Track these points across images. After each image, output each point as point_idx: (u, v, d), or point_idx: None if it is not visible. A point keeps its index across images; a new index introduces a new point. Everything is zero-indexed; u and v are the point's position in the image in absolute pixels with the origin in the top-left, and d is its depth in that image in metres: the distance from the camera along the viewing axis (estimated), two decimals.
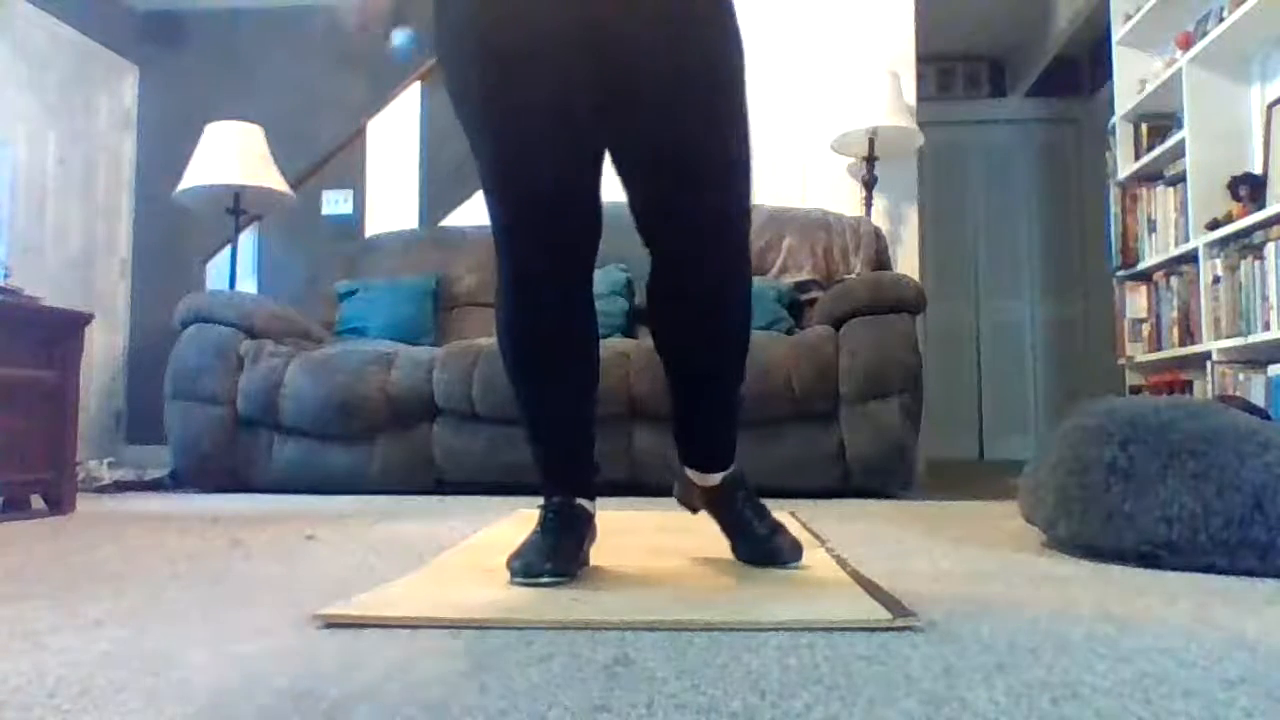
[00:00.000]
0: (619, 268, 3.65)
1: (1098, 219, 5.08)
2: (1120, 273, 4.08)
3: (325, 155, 4.64)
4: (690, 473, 1.64)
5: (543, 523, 1.48)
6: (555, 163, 1.39)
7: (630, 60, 1.37)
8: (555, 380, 1.52)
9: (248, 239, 4.69)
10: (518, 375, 1.53)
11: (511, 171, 1.42)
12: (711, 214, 1.43)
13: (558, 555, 1.40)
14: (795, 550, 1.53)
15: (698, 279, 1.47)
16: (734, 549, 1.58)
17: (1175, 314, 3.64)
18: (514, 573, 1.37)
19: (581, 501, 1.52)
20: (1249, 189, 3.21)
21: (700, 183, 1.41)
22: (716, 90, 1.41)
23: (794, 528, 1.98)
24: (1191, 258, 3.47)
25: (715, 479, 1.60)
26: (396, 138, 4.46)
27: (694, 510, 1.68)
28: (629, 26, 1.36)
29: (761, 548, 1.54)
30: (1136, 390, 3.93)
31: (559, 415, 1.55)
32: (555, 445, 1.56)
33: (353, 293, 3.96)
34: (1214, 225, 3.29)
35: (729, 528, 1.59)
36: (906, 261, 4.11)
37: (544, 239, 1.42)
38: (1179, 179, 3.61)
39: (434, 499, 3.05)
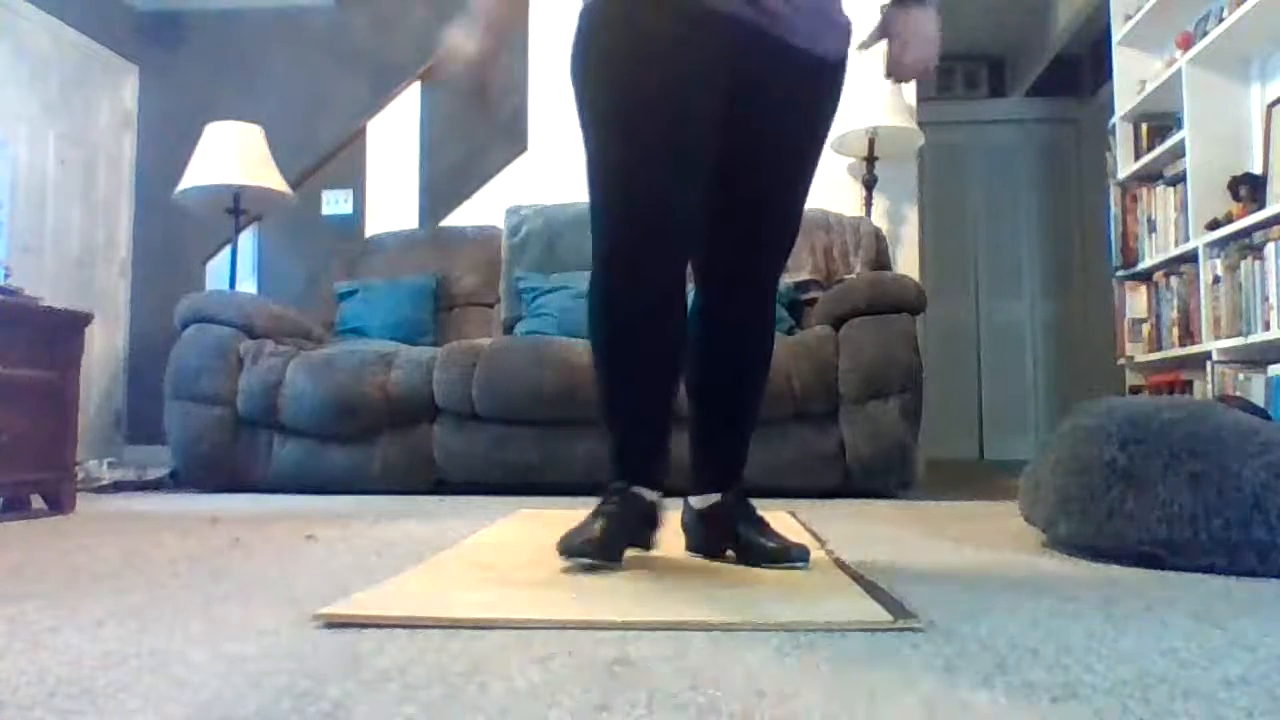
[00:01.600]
0: None
1: (1098, 219, 5.07)
2: (1120, 273, 4.08)
3: (325, 155, 4.64)
4: (703, 499, 1.66)
5: (600, 507, 1.53)
6: (692, 165, 1.49)
7: (758, 118, 1.53)
8: (649, 363, 1.56)
9: (248, 239, 4.69)
10: (612, 356, 1.57)
11: (657, 159, 1.47)
12: (772, 270, 1.68)
13: (606, 542, 1.45)
14: (803, 549, 1.55)
15: (748, 321, 1.66)
16: (743, 553, 1.58)
17: (1175, 314, 3.63)
18: (561, 551, 1.45)
19: (639, 490, 1.54)
20: (1249, 189, 3.20)
21: (774, 236, 1.66)
22: (809, 171, 1.64)
23: (794, 528, 1.98)
24: (1191, 258, 3.47)
25: (732, 495, 1.64)
26: (396, 138, 4.46)
27: (720, 552, 1.65)
28: (767, 92, 1.53)
29: (774, 548, 1.55)
30: (1136, 390, 3.93)
31: (642, 400, 1.58)
32: (633, 431, 1.59)
33: (353, 293, 3.96)
34: (1214, 225, 3.29)
35: (741, 535, 1.60)
36: (906, 261, 4.10)
37: (664, 223, 1.48)
38: (1179, 179, 3.61)
39: (434, 499, 3.05)
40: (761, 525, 1.61)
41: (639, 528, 1.54)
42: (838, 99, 1.64)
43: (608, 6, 1.51)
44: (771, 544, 1.56)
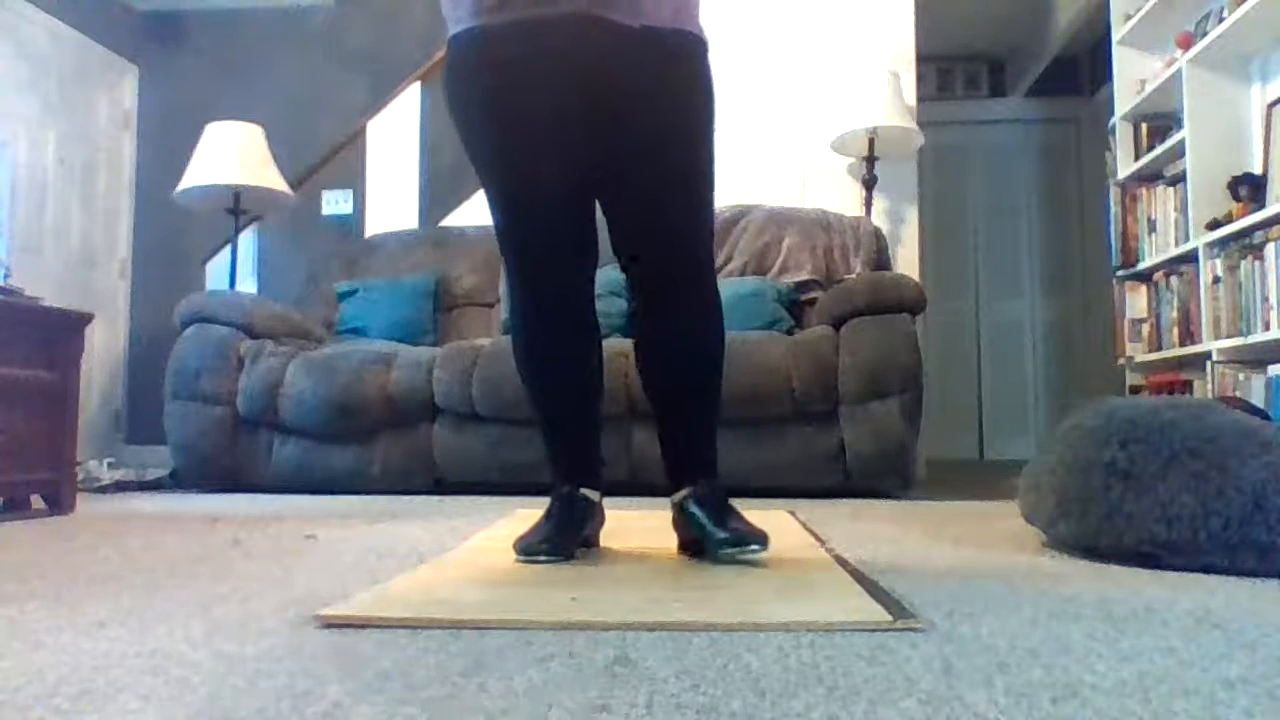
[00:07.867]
0: (616, 268, 3.64)
1: (1098, 219, 5.08)
2: (1120, 273, 4.08)
3: (325, 155, 4.64)
4: (675, 497, 1.65)
5: (548, 509, 1.65)
6: (554, 210, 1.60)
7: (618, 129, 1.57)
8: (562, 387, 1.71)
9: (248, 239, 4.69)
10: (530, 383, 1.73)
11: (518, 218, 1.63)
12: (684, 261, 1.64)
13: (556, 538, 1.57)
14: (762, 535, 1.52)
15: (673, 318, 1.66)
16: (709, 544, 1.56)
17: (1175, 314, 3.63)
18: (518, 551, 1.56)
19: (585, 491, 1.67)
20: (1249, 189, 3.20)
21: (672, 233, 1.62)
22: (689, 158, 1.61)
23: (794, 528, 1.98)
24: (1191, 258, 3.47)
25: (706, 486, 1.63)
26: (396, 138, 4.46)
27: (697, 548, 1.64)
28: (619, 101, 1.56)
29: (734, 535, 1.53)
30: (1136, 390, 3.93)
31: (566, 416, 1.73)
32: (563, 442, 1.73)
33: (353, 293, 3.96)
34: (1214, 225, 3.29)
35: (707, 526, 1.57)
36: (906, 261, 4.11)
37: (546, 268, 1.64)
38: (1179, 179, 3.61)
39: (434, 499, 3.05)
40: (721, 515, 1.57)
41: (585, 523, 1.67)
42: (688, 73, 1.61)
43: (456, 54, 1.61)
44: (733, 524, 1.54)
